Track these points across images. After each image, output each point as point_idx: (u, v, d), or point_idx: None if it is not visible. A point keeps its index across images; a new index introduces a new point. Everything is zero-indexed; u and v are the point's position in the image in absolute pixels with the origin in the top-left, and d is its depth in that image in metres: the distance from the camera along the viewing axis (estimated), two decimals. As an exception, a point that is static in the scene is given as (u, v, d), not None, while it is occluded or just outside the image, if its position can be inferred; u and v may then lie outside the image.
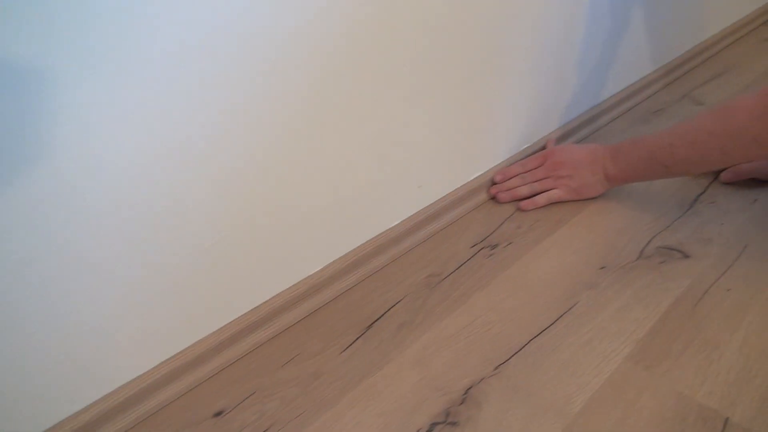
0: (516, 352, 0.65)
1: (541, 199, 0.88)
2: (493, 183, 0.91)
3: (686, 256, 0.77)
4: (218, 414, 0.61)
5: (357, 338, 0.68)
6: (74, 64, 0.44)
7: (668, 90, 1.21)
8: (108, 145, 0.48)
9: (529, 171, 0.90)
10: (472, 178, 0.88)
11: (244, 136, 0.57)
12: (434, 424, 0.58)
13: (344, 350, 0.67)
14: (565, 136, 1.01)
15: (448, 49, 0.72)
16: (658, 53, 1.18)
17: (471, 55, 0.76)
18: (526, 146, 0.94)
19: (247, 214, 0.61)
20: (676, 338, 0.65)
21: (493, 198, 0.91)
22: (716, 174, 0.91)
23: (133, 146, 0.49)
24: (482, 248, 0.81)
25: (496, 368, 0.64)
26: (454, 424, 0.58)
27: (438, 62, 0.72)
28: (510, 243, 0.82)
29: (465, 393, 0.61)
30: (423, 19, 0.67)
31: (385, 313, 0.72)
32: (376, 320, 0.71)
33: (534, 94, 0.91)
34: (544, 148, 0.96)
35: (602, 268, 0.76)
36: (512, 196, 0.89)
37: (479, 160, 0.88)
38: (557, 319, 0.69)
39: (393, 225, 0.79)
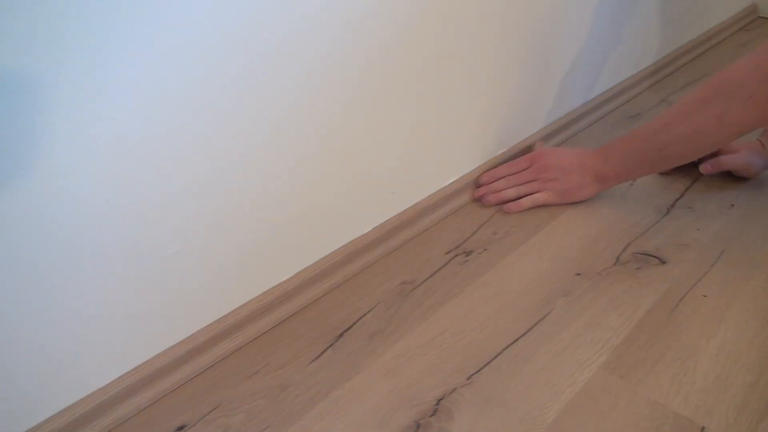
0: (489, 362, 0.64)
1: (525, 202, 0.86)
2: (479, 184, 0.89)
3: (663, 262, 0.76)
4: (181, 428, 0.59)
5: (327, 348, 0.67)
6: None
7: (646, 95, 1.21)
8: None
9: (515, 173, 0.88)
10: (447, 183, 0.86)
11: (212, 142, 0.55)
12: (404, 437, 0.57)
13: (313, 361, 0.65)
14: (542, 140, 1.00)
15: (420, 49, 0.71)
16: (636, 58, 1.18)
17: (446, 57, 0.75)
18: (502, 151, 0.93)
19: (213, 221, 0.59)
20: (652, 346, 0.64)
21: (479, 200, 0.89)
22: (694, 178, 0.91)
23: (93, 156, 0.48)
24: (457, 255, 0.80)
25: (469, 378, 0.62)
26: (424, 436, 0.56)
27: (410, 62, 0.70)
28: (485, 249, 0.80)
29: (437, 403, 0.60)
30: (392, 18, 0.66)
31: (356, 322, 0.70)
32: (346, 329, 0.69)
33: (510, 99, 0.90)
34: (529, 149, 0.95)
35: (578, 274, 0.75)
36: (499, 199, 0.87)
37: (454, 165, 0.87)
38: (532, 327, 0.68)
39: (365, 232, 0.77)
